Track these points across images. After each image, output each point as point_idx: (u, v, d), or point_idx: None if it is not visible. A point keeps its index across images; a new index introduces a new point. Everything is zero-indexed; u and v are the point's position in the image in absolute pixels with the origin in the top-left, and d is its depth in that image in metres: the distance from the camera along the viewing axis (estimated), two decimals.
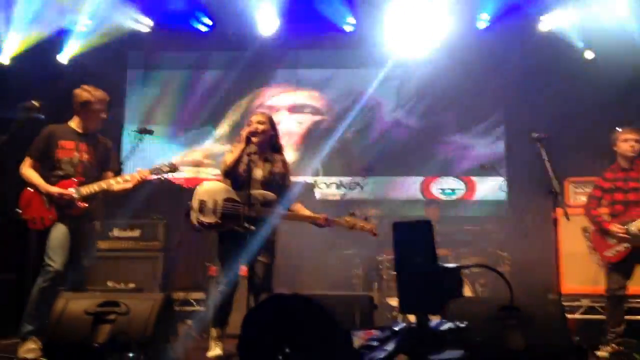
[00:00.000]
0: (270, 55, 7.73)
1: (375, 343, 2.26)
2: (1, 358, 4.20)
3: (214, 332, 4.30)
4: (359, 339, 2.52)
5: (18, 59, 7.02)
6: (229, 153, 4.40)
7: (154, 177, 4.48)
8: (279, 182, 4.37)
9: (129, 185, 4.38)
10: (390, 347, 2.24)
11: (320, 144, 7.62)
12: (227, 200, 4.25)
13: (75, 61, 7.25)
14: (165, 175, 4.49)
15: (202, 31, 7.67)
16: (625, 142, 4.93)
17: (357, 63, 7.79)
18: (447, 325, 2.48)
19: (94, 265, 5.70)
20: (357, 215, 4.31)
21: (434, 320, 2.42)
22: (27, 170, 4.41)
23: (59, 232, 4.30)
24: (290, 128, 7.82)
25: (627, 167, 4.93)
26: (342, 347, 1.89)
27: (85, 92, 4.47)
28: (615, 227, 4.76)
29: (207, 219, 4.24)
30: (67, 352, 3.38)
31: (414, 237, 2.18)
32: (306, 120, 7.93)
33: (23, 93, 6.09)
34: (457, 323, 2.27)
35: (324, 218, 4.29)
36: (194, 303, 6.35)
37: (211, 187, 4.34)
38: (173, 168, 4.48)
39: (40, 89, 6.20)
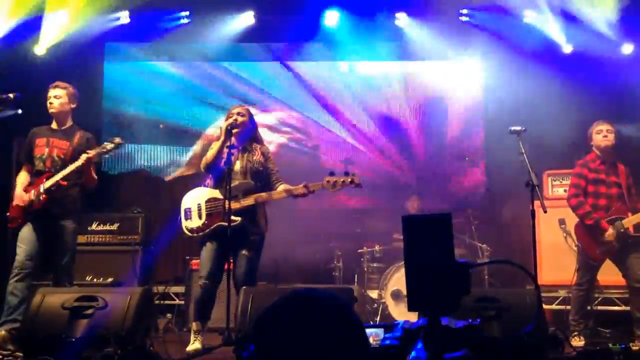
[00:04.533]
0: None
1: (392, 342, 2.19)
2: None
3: (194, 325, 4.30)
4: (370, 337, 2.48)
5: None
6: (210, 149, 4.41)
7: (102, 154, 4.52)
8: (258, 169, 4.38)
9: (79, 164, 4.37)
10: (415, 348, 2.16)
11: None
12: (209, 200, 4.32)
13: (52, 52, 7.13)
14: (111, 153, 4.50)
15: (180, 23, 7.58)
16: (598, 134, 5.00)
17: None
18: (461, 323, 2.42)
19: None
20: (337, 174, 4.23)
21: (445, 318, 2.35)
22: (19, 175, 4.65)
23: (25, 229, 4.44)
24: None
25: (606, 160, 5.00)
26: (360, 347, 1.82)
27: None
28: (612, 228, 4.81)
29: (194, 224, 4.33)
30: (43, 347, 3.35)
31: (428, 232, 2.06)
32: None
33: None
34: (470, 321, 2.19)
35: (303, 186, 4.27)
36: (174, 297, 6.33)
37: (193, 194, 4.43)
38: (117, 145, 4.47)
39: (15, 80, 6.11)
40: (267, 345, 1.96)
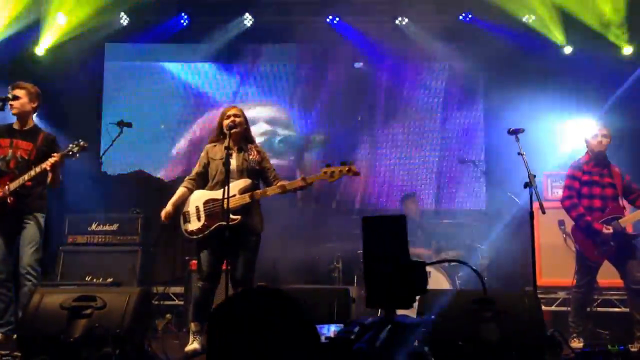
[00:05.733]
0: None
1: (346, 336, 2.25)
2: None
3: (193, 326, 4.31)
4: (330, 332, 2.54)
5: None
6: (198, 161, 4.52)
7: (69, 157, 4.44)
8: (255, 168, 4.40)
9: (46, 167, 4.35)
10: (365, 340, 2.23)
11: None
12: (207, 202, 4.32)
13: (52, 53, 7.13)
14: (77, 155, 4.42)
15: (180, 24, 7.59)
16: (594, 137, 5.01)
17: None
18: (415, 319, 2.47)
19: (71, 259, 5.72)
20: (333, 164, 4.19)
21: (401, 314, 2.41)
22: None
23: None
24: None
25: (600, 162, 5.00)
26: (307, 340, 1.86)
27: None
28: (605, 229, 4.81)
29: (194, 226, 4.33)
30: (41, 347, 3.35)
31: (385, 232, 2.13)
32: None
33: None
34: (425, 317, 2.26)
35: (301, 179, 4.24)
36: (173, 297, 6.33)
37: (191, 197, 4.42)
38: (82, 147, 4.41)
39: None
40: (219, 339, 2.01)
